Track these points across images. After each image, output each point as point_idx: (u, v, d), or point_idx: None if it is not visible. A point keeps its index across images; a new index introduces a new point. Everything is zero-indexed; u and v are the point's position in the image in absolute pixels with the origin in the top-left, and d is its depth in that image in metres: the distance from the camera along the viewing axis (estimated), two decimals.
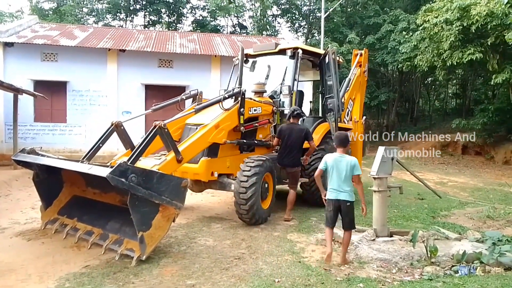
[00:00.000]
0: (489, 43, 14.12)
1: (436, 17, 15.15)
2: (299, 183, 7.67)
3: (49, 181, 5.70)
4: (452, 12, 14.27)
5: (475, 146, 19.61)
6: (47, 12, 29.93)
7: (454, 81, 28.34)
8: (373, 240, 5.24)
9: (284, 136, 6.78)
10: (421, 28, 16.91)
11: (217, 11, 28.74)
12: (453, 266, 4.49)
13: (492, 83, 15.44)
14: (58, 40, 15.56)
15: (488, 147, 18.83)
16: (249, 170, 6.02)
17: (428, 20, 15.63)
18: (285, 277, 4.20)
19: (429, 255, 4.62)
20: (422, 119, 30.05)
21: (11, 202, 8.07)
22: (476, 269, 4.36)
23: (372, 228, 5.47)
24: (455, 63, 15.38)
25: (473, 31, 13.98)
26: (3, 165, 12.98)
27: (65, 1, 30.22)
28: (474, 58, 14.48)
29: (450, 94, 32.35)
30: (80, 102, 15.34)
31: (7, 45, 14.63)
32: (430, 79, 28.31)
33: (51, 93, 14.68)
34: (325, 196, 4.88)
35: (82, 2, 30.53)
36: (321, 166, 4.79)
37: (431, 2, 17.84)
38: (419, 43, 18.24)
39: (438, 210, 8.05)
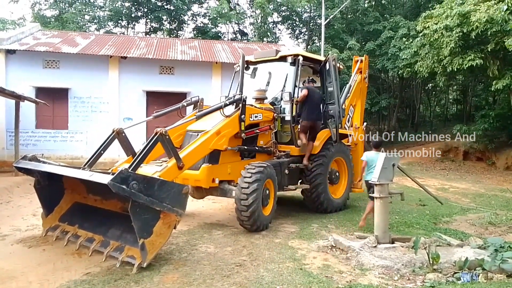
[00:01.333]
0: (489, 49, 14.15)
1: (436, 24, 15.21)
2: (300, 190, 7.70)
3: (50, 188, 5.71)
4: (452, 19, 14.32)
5: (476, 152, 19.57)
6: (49, 20, 30.08)
7: (455, 87, 28.39)
8: (375, 247, 5.23)
9: (312, 95, 7.57)
10: (421, 34, 16.96)
11: (218, 18, 28.81)
12: (455, 273, 4.47)
13: (492, 89, 15.44)
14: (60, 47, 15.64)
15: (489, 152, 18.79)
16: (250, 177, 6.03)
17: (428, 27, 15.69)
18: (287, 284, 4.18)
19: (431, 262, 4.60)
20: (423, 124, 30.07)
21: (12, 209, 8.07)
22: (478, 276, 4.34)
23: (373, 235, 5.46)
24: (455, 69, 15.41)
25: (473, 37, 14.01)
26: (4, 171, 13.00)
27: (67, 9, 30.42)
28: (474, 64, 14.50)
29: (451, 100, 32.38)
30: (82, 109, 15.38)
31: (9, 52, 14.71)
32: (430, 85, 28.37)
33: (52, 100, 14.73)
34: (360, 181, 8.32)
35: (84, 10, 30.68)
36: (363, 158, 7.06)
37: (431, 8, 17.92)
38: (419, 50, 18.30)
39: (439, 216, 8.04)
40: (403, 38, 21.49)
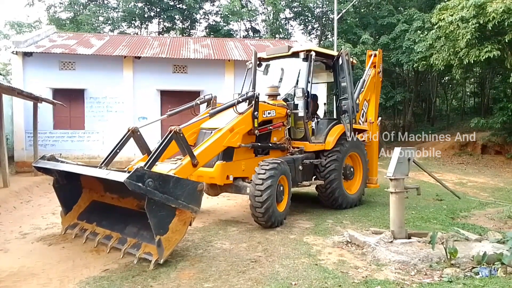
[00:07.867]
0: (506, 41, 13.82)
1: (452, 15, 14.91)
2: (314, 186, 7.67)
3: (68, 186, 5.83)
4: (467, 10, 14.03)
5: (495, 145, 19.16)
6: (64, 22, 30.51)
7: (472, 79, 27.78)
8: (391, 242, 5.18)
9: None
10: (436, 26, 16.63)
11: (230, 16, 28.80)
12: (473, 267, 4.41)
13: (510, 81, 15.08)
14: (75, 49, 15.88)
15: (508, 146, 18.36)
16: (264, 173, 6.04)
17: (444, 19, 15.38)
18: (302, 280, 4.19)
19: (448, 257, 4.54)
20: (439, 118, 29.54)
21: (32, 208, 8.27)
22: (497, 270, 4.27)
23: (389, 230, 5.41)
24: (472, 61, 15.09)
25: (490, 28, 13.71)
26: (24, 172, 13.33)
27: (81, 11, 30.83)
28: (491, 56, 14.17)
29: (468, 93, 31.70)
30: (98, 109, 15.61)
31: (26, 54, 15.01)
32: (447, 78, 27.82)
33: (69, 100, 14.99)
34: None
35: (98, 11, 31.03)
36: None
37: (446, 0, 17.58)
38: (435, 42, 17.96)
39: (457, 211, 7.91)
40: (418, 31, 21.11)
